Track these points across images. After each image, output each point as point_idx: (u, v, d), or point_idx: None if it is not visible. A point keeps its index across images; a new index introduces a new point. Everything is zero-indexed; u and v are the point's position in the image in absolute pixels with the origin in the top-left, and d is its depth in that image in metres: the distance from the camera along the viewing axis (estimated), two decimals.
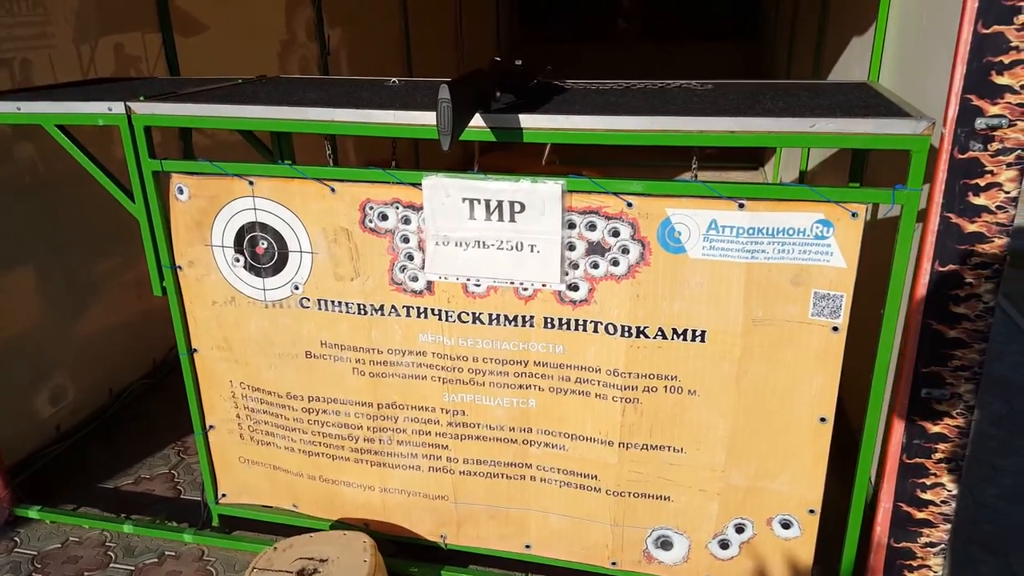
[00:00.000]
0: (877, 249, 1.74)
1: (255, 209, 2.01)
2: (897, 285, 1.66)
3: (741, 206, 1.70)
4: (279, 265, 2.04)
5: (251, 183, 1.98)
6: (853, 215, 1.65)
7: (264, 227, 2.02)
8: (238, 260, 2.07)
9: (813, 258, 1.71)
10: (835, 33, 3.86)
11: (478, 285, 1.92)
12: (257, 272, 2.07)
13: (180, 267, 2.14)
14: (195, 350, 2.23)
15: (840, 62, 3.63)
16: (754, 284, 1.75)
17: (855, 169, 2.15)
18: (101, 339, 3.22)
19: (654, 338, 1.84)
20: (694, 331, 1.81)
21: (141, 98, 2.03)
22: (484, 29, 8.48)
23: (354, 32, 5.29)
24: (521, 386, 1.98)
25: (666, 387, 1.86)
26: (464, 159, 4.84)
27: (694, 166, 1.83)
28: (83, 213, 3.03)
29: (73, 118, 2.10)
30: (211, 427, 2.33)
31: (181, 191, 2.05)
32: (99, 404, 3.26)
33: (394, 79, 2.44)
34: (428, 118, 1.79)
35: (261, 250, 2.04)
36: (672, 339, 1.83)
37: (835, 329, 1.74)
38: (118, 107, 2.02)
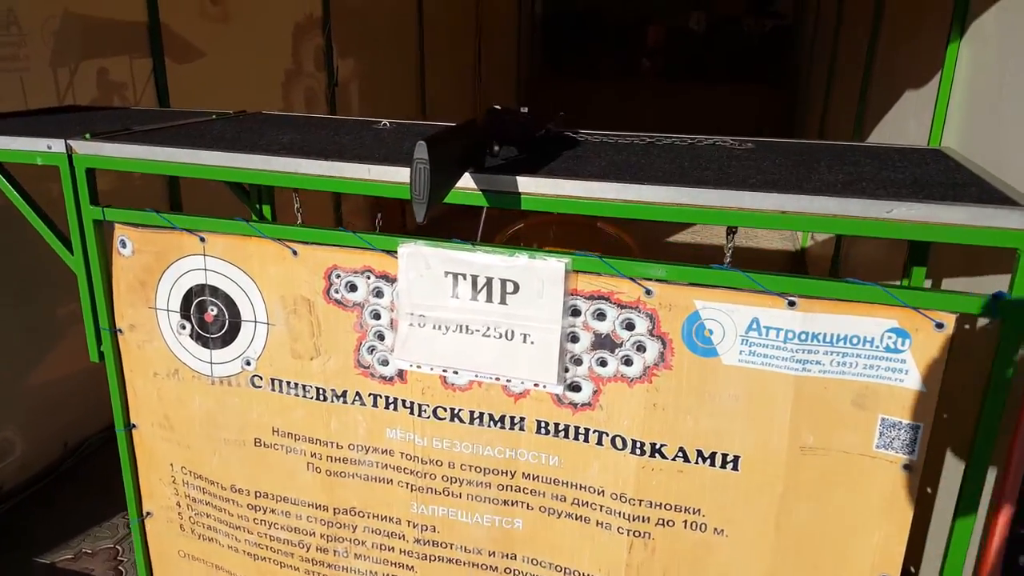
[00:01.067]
0: (958, 362, 1.38)
1: (205, 270, 1.69)
2: (991, 419, 1.30)
3: (791, 304, 1.36)
4: (229, 336, 1.72)
5: (202, 239, 1.67)
6: (938, 326, 1.30)
7: (215, 291, 1.70)
8: (184, 327, 1.75)
9: (882, 376, 1.35)
10: (883, 83, 3.53)
11: (456, 374, 1.58)
12: (205, 342, 1.75)
13: (120, 330, 1.82)
14: (134, 426, 1.91)
15: (890, 118, 3.29)
16: (804, 403, 1.39)
17: (918, 248, 1.80)
18: (56, 388, 2.91)
19: (673, 459, 1.48)
20: (725, 456, 1.45)
21: (87, 136, 1.73)
22: (505, 63, 8.27)
23: (366, 63, 5.04)
24: (506, 502, 1.63)
25: (686, 522, 1.49)
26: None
27: (729, 245, 1.49)
28: (41, 253, 2.73)
29: (8, 155, 1.81)
30: (148, 514, 1.99)
31: (124, 244, 1.74)
32: (51, 460, 2.94)
33: (385, 121, 2.13)
34: (397, 175, 1.47)
35: (210, 317, 1.72)
36: (696, 463, 1.47)
37: (907, 467, 1.37)
38: (58, 145, 1.73)
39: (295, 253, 1.61)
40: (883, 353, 1.35)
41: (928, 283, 1.84)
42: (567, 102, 8.94)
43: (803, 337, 1.37)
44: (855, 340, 1.36)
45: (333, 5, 4.46)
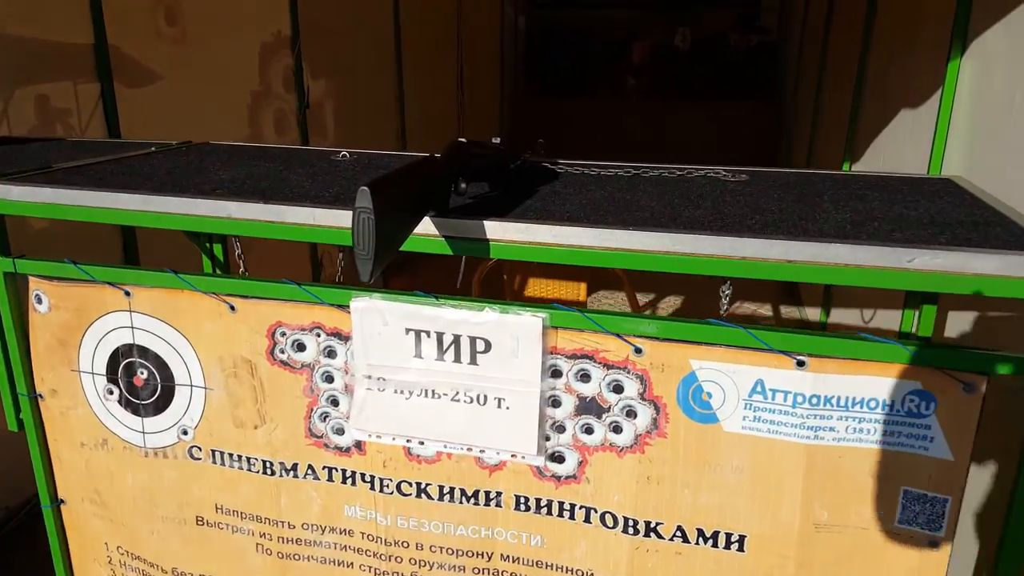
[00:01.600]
0: (989, 424, 1.20)
1: (132, 328, 1.49)
2: None
3: (800, 363, 1.18)
4: (163, 402, 1.52)
5: (127, 294, 1.47)
6: (967, 387, 1.12)
7: (144, 351, 1.50)
8: (111, 392, 1.55)
9: (904, 444, 1.17)
10: (876, 101, 3.39)
11: (423, 444, 1.38)
12: (135, 409, 1.54)
13: (41, 396, 1.62)
14: (62, 501, 1.70)
15: (885, 139, 3.15)
16: (817, 474, 1.21)
17: None
18: None
19: (671, 539, 1.29)
20: (729, 535, 1.27)
21: None
22: (488, 82, 8.12)
23: (341, 83, 4.87)
24: None
25: None
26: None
27: (725, 295, 1.31)
28: None
29: None
30: None
31: (40, 300, 1.53)
32: None
33: (344, 152, 1.95)
34: (347, 219, 1.28)
35: (140, 381, 1.52)
36: (697, 543, 1.28)
37: (934, 544, 1.19)
38: None
39: (233, 308, 1.41)
40: (905, 418, 1.17)
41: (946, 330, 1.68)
42: (552, 121, 8.81)
43: (814, 401, 1.19)
44: (873, 404, 1.18)
45: (303, 22, 4.29)
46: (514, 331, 1.27)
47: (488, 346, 1.29)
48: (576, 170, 1.77)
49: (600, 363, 1.26)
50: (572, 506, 1.34)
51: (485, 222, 1.24)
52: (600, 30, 8.90)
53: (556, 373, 1.29)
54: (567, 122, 8.60)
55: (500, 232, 1.24)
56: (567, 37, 9.01)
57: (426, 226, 1.26)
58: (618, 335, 1.24)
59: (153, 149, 1.95)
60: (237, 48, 3.84)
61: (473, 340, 1.29)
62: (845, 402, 1.18)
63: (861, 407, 1.18)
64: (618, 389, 1.26)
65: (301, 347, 1.40)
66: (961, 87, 2.22)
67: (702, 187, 1.56)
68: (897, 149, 2.92)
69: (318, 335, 1.39)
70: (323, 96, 4.66)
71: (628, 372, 1.25)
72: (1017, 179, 1.71)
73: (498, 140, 1.64)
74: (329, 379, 1.40)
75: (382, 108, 5.50)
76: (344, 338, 1.37)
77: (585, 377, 1.28)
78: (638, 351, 1.24)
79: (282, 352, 1.41)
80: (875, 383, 1.17)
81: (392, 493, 1.42)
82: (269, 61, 4.10)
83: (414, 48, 5.89)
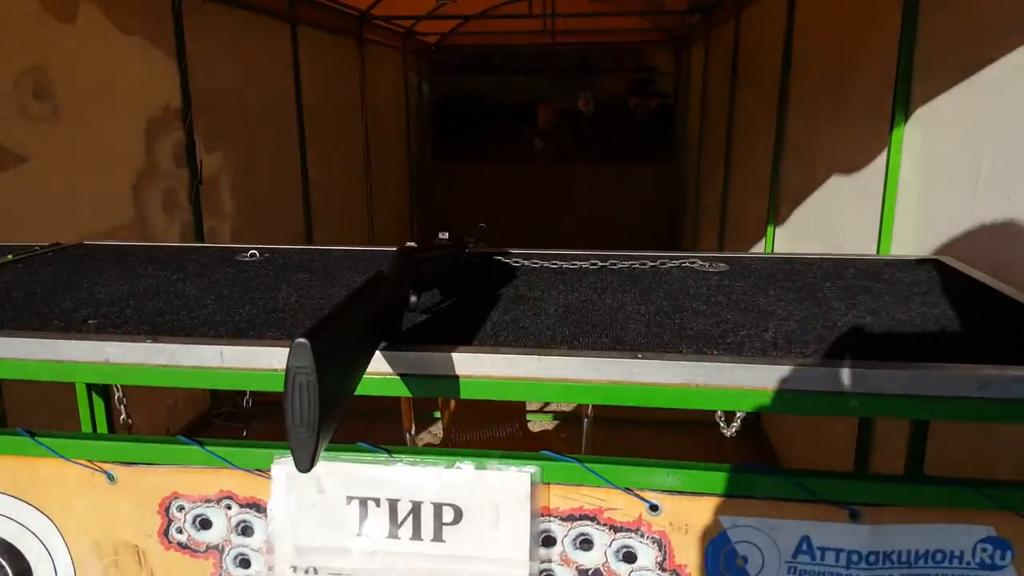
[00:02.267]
0: None
1: None
2: None
3: (854, 515, 0.95)
4: None
5: None
6: None
7: None
8: None
9: None
10: (802, 168, 3.36)
11: None
12: None
13: None
14: None
15: (812, 205, 3.09)
16: None
17: None
18: None
19: None
20: None
21: None
22: (395, 149, 7.91)
23: (239, 155, 4.50)
24: None
25: None
26: None
27: (737, 420, 1.08)
28: None
29: None
30: None
31: None
32: None
33: (253, 250, 1.64)
34: (270, 358, 0.98)
35: None
36: None
37: None
38: None
39: (112, 478, 1.06)
40: (978, 571, 0.96)
41: None
42: (462, 184, 8.64)
43: (872, 559, 0.97)
44: (939, 556, 0.97)
45: (195, 93, 3.94)
46: (494, 493, 0.99)
47: (458, 515, 1.00)
48: (534, 263, 1.53)
49: (605, 525, 1.00)
50: None
51: (454, 354, 0.97)
52: (504, 94, 8.91)
53: (548, 540, 1.01)
54: (477, 185, 8.48)
55: (475, 365, 0.97)
56: (471, 102, 8.97)
57: (376, 362, 0.97)
58: (627, 489, 0.98)
59: (10, 257, 1.57)
60: (119, 124, 3.44)
61: (438, 508, 1.00)
62: (907, 557, 0.97)
63: (926, 561, 0.97)
64: (630, 558, 1.00)
65: (206, 524, 1.07)
66: (908, 155, 2.15)
67: (684, 282, 1.35)
68: (832, 216, 2.85)
69: (228, 508, 1.06)
70: (219, 170, 4.28)
71: (642, 536, 0.99)
72: (1000, 257, 1.59)
73: (446, 236, 1.40)
74: (244, 563, 1.07)
75: (284, 179, 5.15)
76: (263, 510, 1.05)
77: (587, 544, 1.01)
78: (654, 508, 0.98)
79: (180, 532, 1.07)
80: (941, 532, 0.96)
81: None
82: (156, 136, 3.71)
83: (317, 117, 5.61)
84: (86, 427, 1.51)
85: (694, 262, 1.49)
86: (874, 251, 2.31)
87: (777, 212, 3.70)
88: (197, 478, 1.05)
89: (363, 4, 6.24)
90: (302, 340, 0.73)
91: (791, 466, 3.02)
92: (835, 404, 0.90)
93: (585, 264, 1.50)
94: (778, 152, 3.66)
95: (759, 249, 3.97)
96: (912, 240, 2.11)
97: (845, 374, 0.89)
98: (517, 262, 1.54)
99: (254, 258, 1.60)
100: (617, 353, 0.96)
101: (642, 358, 0.95)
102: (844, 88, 2.74)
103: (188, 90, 3.88)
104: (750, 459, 3.09)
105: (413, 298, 1.10)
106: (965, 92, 1.78)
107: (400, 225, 8.13)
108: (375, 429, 1.37)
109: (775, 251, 3.63)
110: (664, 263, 1.49)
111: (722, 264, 1.49)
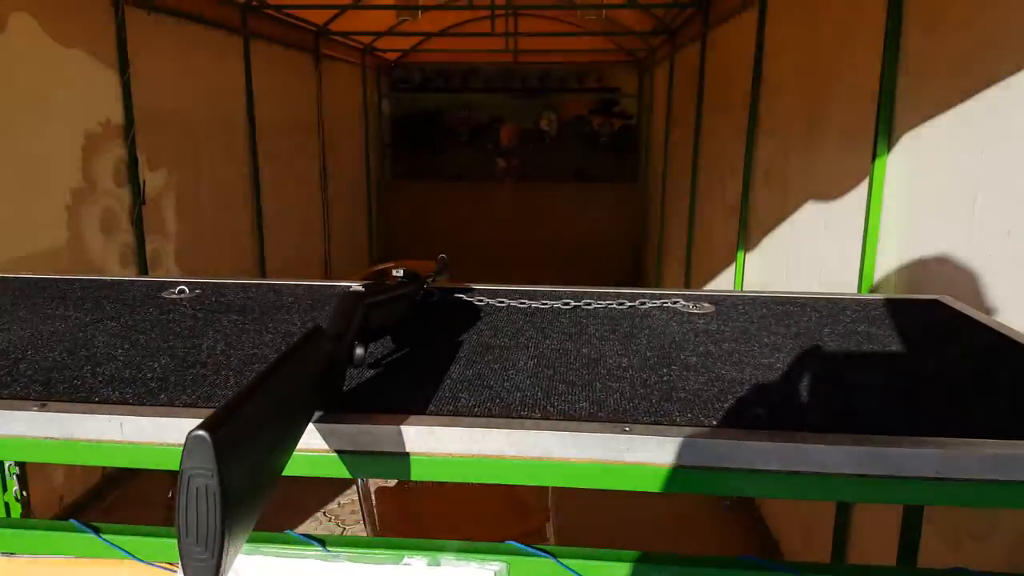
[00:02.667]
0: None
1: None
2: None
3: None
4: None
5: None
6: None
7: None
8: None
9: None
10: (773, 194, 3.28)
11: None
12: None
13: None
14: None
15: (786, 231, 3.01)
16: None
17: None
18: None
19: None
20: None
21: None
22: (353, 167, 7.71)
23: (185, 173, 4.28)
24: None
25: None
26: None
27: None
28: None
29: None
30: None
31: None
32: None
33: (183, 286, 1.45)
34: (181, 433, 0.80)
35: None
36: None
37: None
38: None
39: None
40: None
41: None
42: (423, 205, 8.46)
43: None
44: None
45: (139, 109, 3.72)
46: None
47: None
48: (500, 302, 1.37)
49: None
50: None
51: (404, 426, 0.80)
52: (465, 113, 8.79)
53: None
54: (438, 205, 8.32)
55: (429, 441, 0.81)
56: (432, 120, 8.83)
57: (308, 437, 0.80)
58: None
59: None
60: (53, 139, 3.20)
61: None
62: None
63: None
64: None
65: None
66: (892, 185, 2.06)
67: (668, 327, 1.21)
68: (809, 247, 2.76)
69: None
70: (164, 189, 4.05)
71: None
72: (1001, 295, 1.48)
73: (400, 273, 1.23)
74: None
75: (235, 199, 4.93)
76: None
77: None
78: None
79: None
80: None
81: None
82: (95, 153, 3.47)
83: (270, 133, 5.40)
84: None
85: (676, 301, 1.35)
86: (855, 284, 2.22)
87: (747, 239, 3.61)
88: (92, 572, 0.86)
89: (320, 19, 6.07)
90: (200, 434, 0.55)
91: (782, 536, 2.88)
92: (867, 489, 0.76)
93: (557, 304, 1.35)
94: (747, 177, 3.59)
95: (728, 275, 3.88)
96: (898, 275, 2.01)
97: (873, 454, 0.75)
98: (481, 300, 1.38)
99: (183, 295, 1.42)
100: (600, 425, 0.81)
101: (630, 431, 0.79)
102: (819, 113, 2.66)
103: (131, 105, 3.66)
104: (741, 530, 2.93)
105: (360, 351, 0.93)
106: (957, 118, 1.69)
107: (357, 248, 7.93)
108: (309, 492, 1.18)
109: (746, 280, 3.54)
110: (643, 302, 1.35)
111: (707, 304, 1.35)
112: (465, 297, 1.40)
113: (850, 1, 2.39)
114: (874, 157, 2.07)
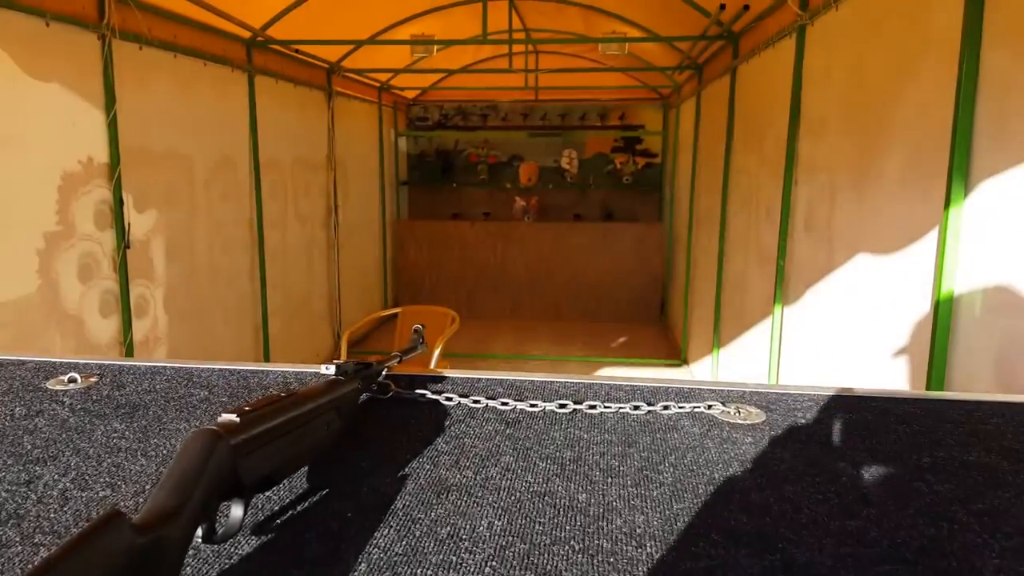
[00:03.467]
0: None
1: None
2: None
3: None
4: None
5: None
6: None
7: None
8: None
9: None
10: (815, 242, 2.91)
11: None
12: None
13: None
14: None
15: (833, 283, 2.63)
16: None
17: None
18: None
19: None
20: None
21: None
22: (367, 206, 7.48)
23: (178, 215, 4.03)
24: None
25: None
26: None
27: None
28: None
29: None
30: None
31: None
32: None
33: (74, 374, 1.13)
34: None
35: None
36: None
37: None
38: None
39: None
40: None
41: None
42: (441, 245, 8.16)
43: None
44: None
45: (126, 147, 3.48)
46: None
47: None
48: (475, 401, 1.03)
49: None
50: None
51: None
52: (484, 151, 8.56)
53: None
54: (456, 245, 8.05)
55: None
56: (450, 158, 8.61)
57: None
58: None
59: None
60: (23, 180, 2.96)
61: None
62: None
63: None
64: None
65: None
66: (972, 238, 1.69)
67: (702, 453, 0.86)
68: (859, 302, 2.39)
69: None
70: (152, 230, 3.79)
71: None
72: None
73: (332, 370, 0.90)
74: None
75: (234, 239, 4.67)
76: None
77: None
78: None
79: None
80: None
81: None
82: (74, 194, 3.22)
83: (277, 172, 5.17)
84: None
85: (711, 405, 0.99)
86: (923, 354, 1.84)
87: (785, 292, 3.24)
88: None
89: (333, 56, 5.88)
90: None
91: None
92: None
93: (550, 407, 1.00)
94: (785, 223, 3.23)
95: (764, 330, 3.50)
96: (980, 351, 1.64)
97: None
98: (450, 399, 1.04)
99: (72, 385, 1.10)
100: None
101: None
102: (872, 151, 2.31)
103: (117, 143, 3.42)
104: None
105: (237, 511, 0.61)
106: None
107: (370, 290, 7.65)
108: None
109: (785, 341, 3.15)
110: (667, 407, 0.99)
111: (753, 410, 1.00)
112: (430, 394, 1.06)
113: (910, 23, 2.05)
114: (947, 204, 1.71)
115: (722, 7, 3.99)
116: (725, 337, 4.70)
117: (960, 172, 1.69)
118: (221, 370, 1.19)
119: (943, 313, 1.73)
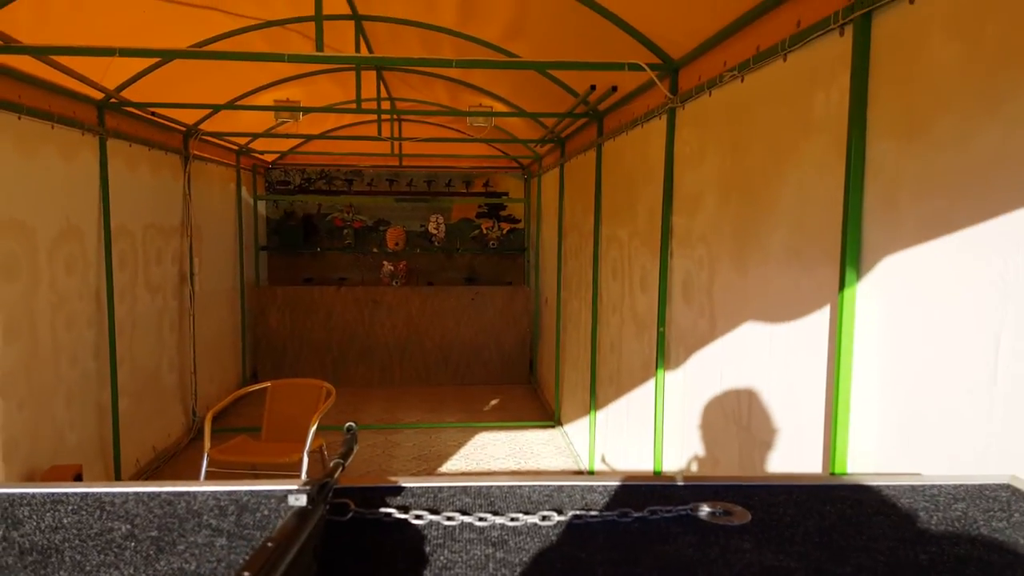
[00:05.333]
0: None
1: None
2: None
3: None
4: None
5: None
6: None
7: None
8: None
9: None
10: (691, 309, 3.06)
11: None
12: None
13: None
14: None
15: (714, 352, 2.76)
16: None
17: None
18: None
19: None
20: None
21: None
22: (224, 273, 7.05)
23: (14, 289, 3.57)
24: None
25: None
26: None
27: None
28: None
29: None
30: None
31: None
32: None
33: None
34: None
35: None
36: None
37: None
38: None
39: None
40: None
41: None
42: (304, 312, 7.83)
43: None
44: None
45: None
46: None
47: None
48: (449, 518, 0.95)
49: None
50: None
51: None
52: (350, 215, 8.40)
53: None
54: (320, 311, 7.75)
55: None
56: (313, 222, 8.36)
57: None
58: None
59: None
60: None
61: None
62: None
63: None
64: None
65: None
66: (865, 322, 1.82)
67: (695, 562, 0.83)
68: (747, 370, 2.51)
69: None
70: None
71: None
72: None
73: (306, 490, 0.80)
74: None
75: (79, 313, 4.20)
76: None
77: None
78: None
79: None
80: None
81: None
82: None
83: (128, 240, 4.77)
84: None
85: (699, 510, 0.98)
86: (821, 429, 1.95)
87: (667, 357, 3.36)
88: None
89: (190, 119, 5.57)
90: None
91: None
92: None
93: (532, 519, 0.95)
94: (663, 292, 3.37)
95: (646, 393, 3.61)
96: (883, 433, 1.75)
97: None
98: (419, 516, 0.96)
99: None
100: None
101: None
102: (754, 227, 2.47)
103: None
104: None
105: None
106: (963, 243, 1.48)
107: (227, 363, 7.16)
108: None
109: (668, 402, 3.25)
110: (655, 512, 0.97)
111: (738, 509, 0.99)
112: (396, 511, 0.97)
113: (788, 110, 2.24)
114: (842, 287, 1.84)
115: (592, 87, 4.20)
116: (603, 399, 4.79)
117: (853, 254, 1.83)
118: (138, 494, 1.03)
119: (843, 391, 1.84)
